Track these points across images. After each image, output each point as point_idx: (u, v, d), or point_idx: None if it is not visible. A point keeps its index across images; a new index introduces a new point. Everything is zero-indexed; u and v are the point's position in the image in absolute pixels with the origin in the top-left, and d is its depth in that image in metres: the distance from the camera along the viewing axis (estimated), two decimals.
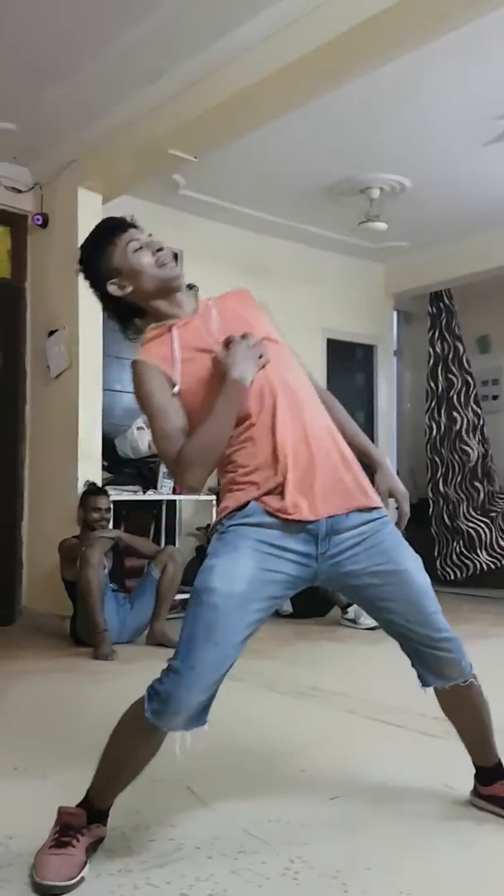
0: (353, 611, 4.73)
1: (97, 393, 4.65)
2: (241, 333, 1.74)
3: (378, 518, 1.77)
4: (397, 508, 1.90)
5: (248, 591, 1.63)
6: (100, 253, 1.83)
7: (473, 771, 1.97)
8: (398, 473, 6.63)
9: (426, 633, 1.79)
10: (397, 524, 1.85)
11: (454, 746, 2.06)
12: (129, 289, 1.83)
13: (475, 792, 1.97)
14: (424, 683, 1.85)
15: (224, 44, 3.52)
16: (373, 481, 1.86)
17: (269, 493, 1.68)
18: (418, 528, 6.92)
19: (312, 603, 4.93)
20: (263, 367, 1.73)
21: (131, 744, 1.66)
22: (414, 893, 1.53)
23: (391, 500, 1.89)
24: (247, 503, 1.68)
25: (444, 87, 3.97)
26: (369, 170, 4.95)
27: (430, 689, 1.86)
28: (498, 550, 6.43)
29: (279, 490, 1.67)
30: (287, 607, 5.00)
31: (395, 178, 5.03)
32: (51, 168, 4.69)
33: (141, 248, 1.82)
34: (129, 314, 1.91)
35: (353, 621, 4.70)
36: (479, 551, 6.46)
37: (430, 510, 6.73)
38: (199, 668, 1.58)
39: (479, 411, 6.74)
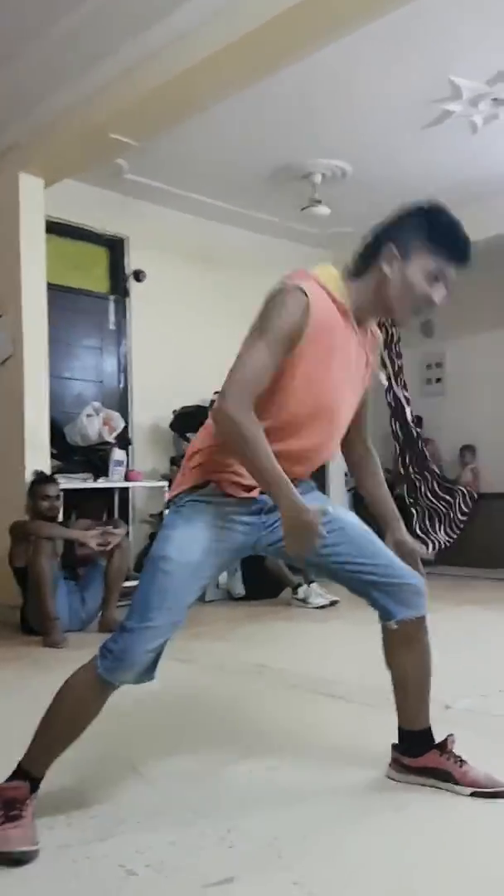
0: (302, 591, 4.81)
1: (43, 380, 4.61)
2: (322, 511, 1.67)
3: (305, 487, 1.84)
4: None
5: (200, 561, 1.74)
6: (430, 238, 1.75)
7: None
8: None
9: (384, 565, 1.84)
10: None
11: (394, 717, 2.13)
12: (387, 272, 1.75)
13: (400, 766, 1.96)
14: (390, 617, 1.85)
15: (161, 28, 3.51)
16: (382, 537, 1.95)
17: (236, 483, 1.76)
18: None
19: (264, 585, 5.01)
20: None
21: (81, 702, 1.73)
22: (346, 857, 1.59)
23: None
24: (207, 483, 1.77)
25: (380, 72, 4.02)
26: (310, 155, 4.99)
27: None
28: (420, 535, 6.65)
29: (247, 483, 1.76)
30: (239, 590, 5.07)
31: (336, 164, 5.07)
32: None
33: (437, 281, 1.77)
34: (365, 261, 1.80)
35: (304, 601, 4.78)
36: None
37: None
38: (152, 628, 1.68)
39: (407, 395, 6.82)
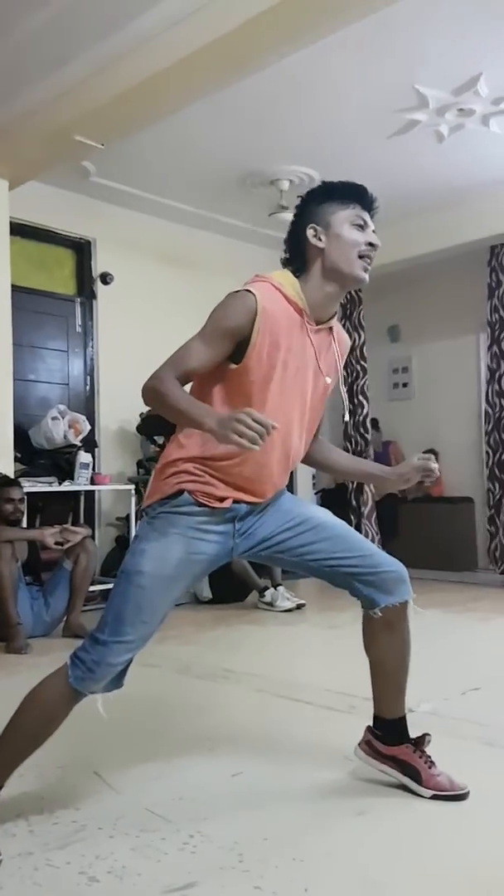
0: (269, 594, 4.83)
1: (6, 383, 4.58)
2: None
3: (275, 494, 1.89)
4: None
5: (175, 574, 1.75)
6: (331, 199, 1.83)
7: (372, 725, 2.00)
8: None
9: (362, 556, 1.86)
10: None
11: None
12: (321, 245, 1.81)
13: (371, 749, 1.98)
14: (374, 605, 1.87)
15: (129, 31, 3.50)
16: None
17: (209, 493, 1.77)
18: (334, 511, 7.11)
19: (231, 588, 5.01)
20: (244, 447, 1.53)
21: (50, 710, 1.72)
22: (306, 860, 1.61)
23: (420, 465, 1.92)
24: (180, 492, 1.76)
25: (346, 81, 4.06)
26: (277, 162, 5.02)
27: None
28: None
29: (220, 494, 1.77)
30: (206, 593, 5.06)
31: (303, 171, 5.11)
32: None
33: (362, 228, 1.82)
34: (299, 257, 1.85)
35: (270, 604, 4.80)
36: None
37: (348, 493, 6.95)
38: (126, 641, 1.69)
39: (363, 402, 6.89)
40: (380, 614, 1.87)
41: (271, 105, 4.26)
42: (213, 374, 1.76)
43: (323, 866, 1.58)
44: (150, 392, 1.70)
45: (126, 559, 1.76)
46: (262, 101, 4.19)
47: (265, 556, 1.92)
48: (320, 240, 1.81)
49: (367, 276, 1.83)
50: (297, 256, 1.86)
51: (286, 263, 1.88)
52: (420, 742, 1.95)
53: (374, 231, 1.84)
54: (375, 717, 2.00)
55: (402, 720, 1.98)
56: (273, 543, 1.87)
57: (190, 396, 1.68)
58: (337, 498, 7.17)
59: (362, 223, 1.82)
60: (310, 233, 1.82)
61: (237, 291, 1.75)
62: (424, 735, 1.96)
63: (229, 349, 1.73)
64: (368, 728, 2.02)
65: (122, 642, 1.68)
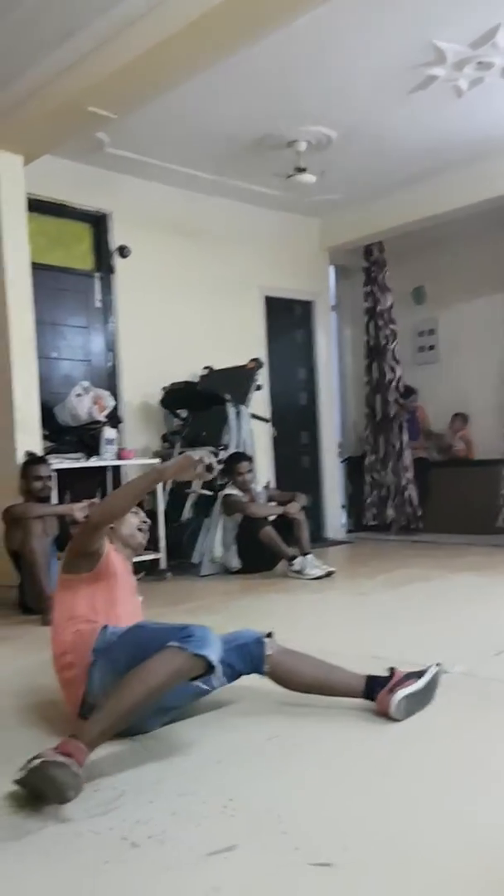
0: (298, 563, 4.84)
1: (31, 360, 4.59)
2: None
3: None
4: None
5: None
6: None
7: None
8: (342, 428, 6.79)
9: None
10: None
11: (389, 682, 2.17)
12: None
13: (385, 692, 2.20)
14: (259, 671, 2.25)
15: None
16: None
17: None
18: (358, 479, 7.14)
19: (260, 558, 5.02)
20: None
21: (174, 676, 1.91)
22: (343, 821, 1.62)
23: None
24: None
25: (362, 38, 3.95)
26: (294, 123, 4.93)
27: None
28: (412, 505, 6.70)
29: None
30: (235, 563, 5.09)
31: (320, 130, 5.01)
32: None
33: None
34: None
35: (299, 573, 4.81)
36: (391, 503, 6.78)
37: (365, 461, 6.95)
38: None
39: (394, 366, 6.86)
40: (268, 669, 2.23)
41: (286, 66, 4.17)
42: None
43: (360, 826, 1.59)
44: (97, 519, 2.21)
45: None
46: (276, 62, 4.10)
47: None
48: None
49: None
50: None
51: None
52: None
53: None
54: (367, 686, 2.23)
55: (371, 678, 2.23)
56: None
57: (127, 484, 2.46)
58: (361, 466, 7.19)
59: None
60: None
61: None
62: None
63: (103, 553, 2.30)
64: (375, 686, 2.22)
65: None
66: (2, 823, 1.66)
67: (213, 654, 1.93)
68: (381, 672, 2.25)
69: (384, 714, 2.15)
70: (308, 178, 5.35)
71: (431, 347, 7.32)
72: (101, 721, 1.83)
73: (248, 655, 2.22)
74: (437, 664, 2.26)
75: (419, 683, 2.18)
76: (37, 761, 1.67)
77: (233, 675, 2.23)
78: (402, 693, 2.15)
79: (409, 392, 7.02)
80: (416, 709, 2.16)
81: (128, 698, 1.86)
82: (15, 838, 1.60)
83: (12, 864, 1.51)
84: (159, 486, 5.11)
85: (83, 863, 1.50)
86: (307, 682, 2.27)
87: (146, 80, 3.84)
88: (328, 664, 2.30)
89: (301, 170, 5.28)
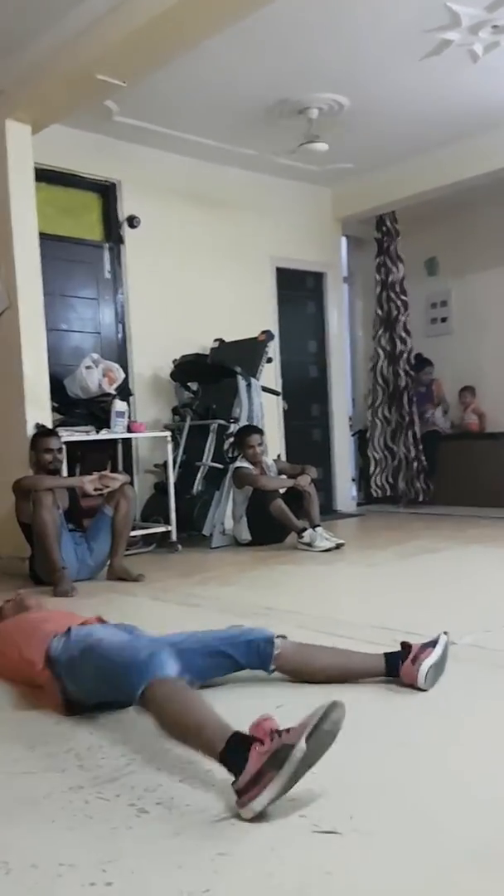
0: (308, 535, 4.84)
1: (41, 333, 4.58)
2: None
3: None
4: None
5: None
6: None
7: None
8: (353, 401, 6.75)
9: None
10: None
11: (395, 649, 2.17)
12: None
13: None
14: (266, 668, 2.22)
15: None
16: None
17: None
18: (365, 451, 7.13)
19: (269, 530, 5.03)
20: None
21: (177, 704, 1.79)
22: (351, 790, 1.63)
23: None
24: None
25: (375, 1, 3.86)
26: (306, 90, 4.84)
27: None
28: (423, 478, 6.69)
29: None
30: (245, 535, 5.10)
31: (333, 98, 4.92)
32: None
33: None
34: None
35: (309, 545, 4.82)
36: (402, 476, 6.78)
37: (368, 433, 6.93)
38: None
39: (405, 338, 6.80)
40: (274, 669, 2.21)
41: (297, 32, 4.09)
42: None
43: (368, 796, 1.60)
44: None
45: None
46: (287, 27, 4.02)
47: None
48: None
49: None
50: None
51: None
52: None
53: None
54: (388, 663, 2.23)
55: (388, 654, 2.22)
56: None
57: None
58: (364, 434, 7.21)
59: None
60: None
61: None
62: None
63: None
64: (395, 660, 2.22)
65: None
66: (9, 791, 1.69)
67: (171, 669, 1.84)
68: (392, 647, 2.25)
69: (411, 685, 2.15)
70: (320, 146, 5.27)
71: (444, 319, 7.25)
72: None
73: (256, 652, 2.21)
74: (445, 633, 2.26)
75: (437, 651, 2.19)
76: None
77: (232, 667, 2.23)
78: (428, 662, 2.15)
79: (421, 363, 6.96)
80: (437, 678, 2.17)
81: (182, 737, 1.75)
82: (22, 805, 1.62)
83: (20, 832, 1.53)
84: (170, 459, 5.13)
85: (92, 830, 1.52)
86: (328, 671, 2.25)
87: (155, 48, 3.78)
88: (344, 650, 2.30)
89: (314, 137, 5.20)
